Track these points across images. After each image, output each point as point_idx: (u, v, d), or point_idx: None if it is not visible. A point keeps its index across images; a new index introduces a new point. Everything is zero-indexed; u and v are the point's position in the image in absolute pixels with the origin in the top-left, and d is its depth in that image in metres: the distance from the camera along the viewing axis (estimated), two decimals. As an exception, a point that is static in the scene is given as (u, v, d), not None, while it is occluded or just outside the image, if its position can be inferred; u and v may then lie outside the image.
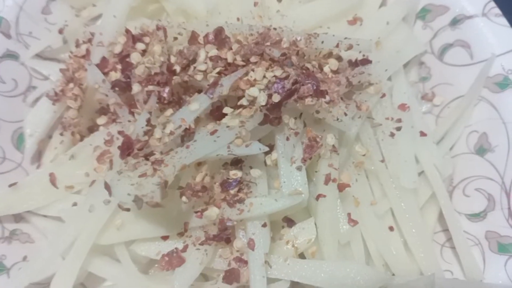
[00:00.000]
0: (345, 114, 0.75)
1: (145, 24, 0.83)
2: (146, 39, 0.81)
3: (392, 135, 0.83)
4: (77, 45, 0.88)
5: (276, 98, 0.72)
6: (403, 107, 0.86)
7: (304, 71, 0.75)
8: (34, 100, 0.92)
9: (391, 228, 0.81)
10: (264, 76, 0.74)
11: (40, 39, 0.93)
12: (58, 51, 0.94)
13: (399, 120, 0.84)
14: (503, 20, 0.87)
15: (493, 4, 0.88)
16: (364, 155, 0.82)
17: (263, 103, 0.72)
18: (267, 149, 0.73)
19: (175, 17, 0.89)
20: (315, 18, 0.87)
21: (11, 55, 0.91)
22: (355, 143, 0.82)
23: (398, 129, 0.84)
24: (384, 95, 0.85)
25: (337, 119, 0.75)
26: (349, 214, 0.79)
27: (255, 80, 0.74)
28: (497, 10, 0.88)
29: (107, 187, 0.69)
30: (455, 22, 0.90)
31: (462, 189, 0.86)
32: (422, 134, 0.86)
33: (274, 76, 0.74)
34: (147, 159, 0.72)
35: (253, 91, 0.72)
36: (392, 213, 0.82)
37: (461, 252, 0.80)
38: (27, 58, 0.92)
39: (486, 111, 0.86)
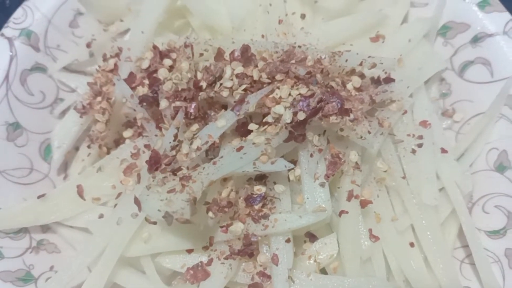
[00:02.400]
0: (369, 132, 0.77)
1: (172, 40, 0.85)
2: (173, 55, 0.84)
3: (413, 151, 0.84)
4: (105, 59, 0.90)
5: (301, 116, 0.73)
6: (424, 123, 0.87)
7: (328, 89, 0.77)
8: (61, 112, 0.95)
9: (411, 244, 0.82)
10: (290, 94, 0.75)
11: (68, 52, 0.96)
12: (85, 64, 0.96)
13: (420, 137, 0.85)
14: (524, 39, 0.88)
15: (514, 22, 0.89)
16: (385, 171, 0.83)
17: (289, 121, 0.73)
18: (292, 166, 0.74)
19: (200, 33, 0.91)
20: (338, 36, 0.88)
21: (40, 68, 0.94)
22: (377, 160, 0.83)
23: (420, 145, 0.85)
24: (405, 111, 0.86)
25: (361, 137, 0.76)
26: (370, 230, 0.80)
27: (280, 97, 0.75)
28: (518, 28, 0.89)
29: (137, 202, 0.71)
30: (476, 39, 0.91)
31: (482, 205, 0.87)
32: (443, 150, 0.86)
33: (300, 94, 0.75)
34: (175, 174, 0.74)
35: (278, 109, 0.74)
36: (413, 229, 0.83)
37: (481, 269, 0.81)
38: (54, 70, 0.95)
39: (506, 128, 0.87)
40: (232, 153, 0.74)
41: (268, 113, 0.75)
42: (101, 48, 0.92)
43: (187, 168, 0.75)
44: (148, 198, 0.70)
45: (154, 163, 0.75)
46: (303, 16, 0.90)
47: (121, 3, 0.95)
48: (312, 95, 0.75)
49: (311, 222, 0.74)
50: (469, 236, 0.83)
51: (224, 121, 0.75)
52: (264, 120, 0.76)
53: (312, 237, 0.80)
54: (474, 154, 0.89)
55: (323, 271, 0.79)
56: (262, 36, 0.86)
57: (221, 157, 0.74)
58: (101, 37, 0.94)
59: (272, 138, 0.74)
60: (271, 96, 0.76)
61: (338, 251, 0.78)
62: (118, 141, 0.89)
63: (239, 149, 0.74)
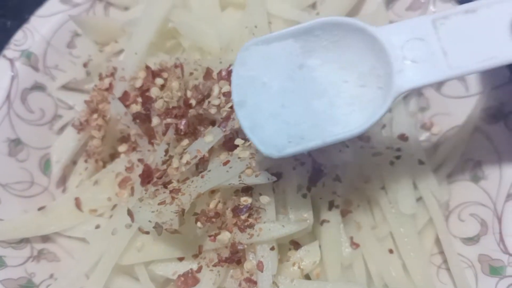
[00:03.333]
0: (347, 146, 0.82)
1: (163, 60, 0.90)
2: (165, 75, 0.88)
3: (391, 163, 0.89)
4: (101, 79, 0.95)
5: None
6: (402, 137, 0.92)
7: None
8: (60, 128, 0.99)
9: (390, 251, 0.86)
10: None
11: (66, 71, 1.00)
12: (82, 82, 1.00)
13: (399, 149, 0.90)
14: (497, 56, 0.93)
15: (486, 40, 0.94)
16: (365, 182, 0.88)
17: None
18: (275, 179, 0.79)
19: (191, 52, 0.96)
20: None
21: (39, 87, 0.99)
22: (357, 171, 0.88)
23: (398, 157, 0.89)
24: (384, 125, 0.91)
25: (339, 150, 0.81)
26: (351, 238, 0.85)
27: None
28: (491, 46, 0.94)
29: (130, 213, 0.76)
30: (451, 56, 0.96)
31: (458, 214, 0.91)
32: (420, 162, 0.91)
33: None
34: (166, 187, 0.79)
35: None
36: (392, 236, 0.87)
37: (456, 274, 0.85)
38: (53, 89, 1.00)
39: (481, 141, 0.91)
40: (219, 167, 0.78)
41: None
42: (97, 67, 0.96)
43: (177, 181, 0.80)
44: (140, 210, 0.75)
45: (147, 176, 0.81)
46: (287, 36, 0.95)
47: (116, 25, 1.00)
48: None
49: (293, 231, 0.78)
50: (444, 243, 0.87)
51: (211, 136, 0.80)
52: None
53: (296, 244, 0.85)
54: (450, 165, 0.93)
55: (307, 277, 0.83)
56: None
57: (209, 170, 0.79)
58: (97, 57, 0.99)
59: (256, 152, 0.79)
60: (255, 113, 0.81)
61: (320, 258, 0.82)
62: (114, 156, 0.94)
63: (226, 163, 0.79)
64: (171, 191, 0.76)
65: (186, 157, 0.80)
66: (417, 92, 1.00)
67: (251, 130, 0.66)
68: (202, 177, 0.78)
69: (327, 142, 0.64)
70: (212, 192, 0.80)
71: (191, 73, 0.89)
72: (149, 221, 0.73)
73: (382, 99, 0.65)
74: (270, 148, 0.65)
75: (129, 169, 0.88)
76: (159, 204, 0.75)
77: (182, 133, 0.83)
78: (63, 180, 0.98)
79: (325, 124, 0.66)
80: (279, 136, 0.66)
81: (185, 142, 0.83)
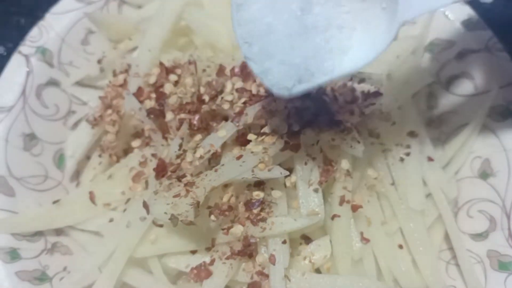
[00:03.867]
0: (358, 142, 0.83)
1: (177, 57, 0.92)
2: (178, 71, 0.90)
3: (401, 160, 0.90)
4: (115, 75, 0.96)
5: (295, 127, 0.80)
6: (412, 134, 0.93)
7: (321, 103, 0.83)
8: (73, 123, 1.01)
9: (400, 246, 0.87)
10: (285, 107, 0.82)
11: (80, 68, 1.02)
12: (96, 79, 1.02)
13: (408, 146, 0.91)
14: (505, 55, 0.94)
15: (495, 40, 0.95)
16: (375, 178, 0.89)
17: (284, 132, 0.80)
18: (287, 173, 0.80)
19: (203, 50, 0.98)
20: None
21: (53, 83, 1.00)
22: (368, 167, 0.89)
23: (407, 154, 0.91)
24: (394, 123, 0.92)
25: (351, 146, 0.82)
26: (361, 233, 0.86)
27: (277, 110, 0.82)
28: (499, 45, 0.95)
29: (146, 206, 0.77)
30: (460, 55, 0.97)
31: (466, 210, 0.93)
32: (430, 159, 0.92)
33: (294, 106, 0.82)
34: (180, 181, 0.80)
35: (275, 121, 0.80)
36: (402, 232, 0.88)
37: (465, 269, 0.86)
38: (67, 85, 1.01)
39: (489, 138, 0.93)
40: (232, 161, 0.80)
41: (266, 124, 0.82)
42: (111, 64, 0.98)
43: (191, 175, 0.81)
44: (156, 202, 0.76)
45: (161, 170, 0.82)
46: (299, 34, 0.96)
47: (129, 23, 1.02)
48: (306, 108, 0.81)
49: (305, 225, 0.80)
50: (453, 239, 0.88)
51: (224, 131, 0.81)
52: (262, 131, 0.82)
53: (307, 239, 0.86)
54: (459, 162, 0.95)
55: (318, 271, 0.84)
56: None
57: (222, 165, 0.80)
58: (111, 54, 1.01)
59: (269, 147, 0.80)
60: (268, 108, 0.82)
61: (331, 252, 0.83)
62: (127, 151, 0.95)
63: (239, 157, 0.80)
64: (185, 184, 0.77)
65: (199, 152, 0.81)
66: (427, 90, 1.01)
67: (262, 74, 0.67)
68: (215, 171, 0.79)
69: (336, 76, 0.65)
70: (225, 186, 0.81)
71: (204, 70, 0.91)
72: (165, 213, 0.74)
73: (386, 25, 0.63)
74: (281, 89, 0.66)
75: (142, 163, 0.89)
76: (174, 196, 0.76)
77: (195, 128, 0.84)
78: (77, 175, 1.00)
79: (332, 58, 0.66)
80: (289, 77, 0.67)
81: (199, 137, 0.84)
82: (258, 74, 0.68)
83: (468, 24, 0.97)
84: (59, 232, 0.93)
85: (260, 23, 0.68)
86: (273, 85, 0.67)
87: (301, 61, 0.67)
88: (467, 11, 0.98)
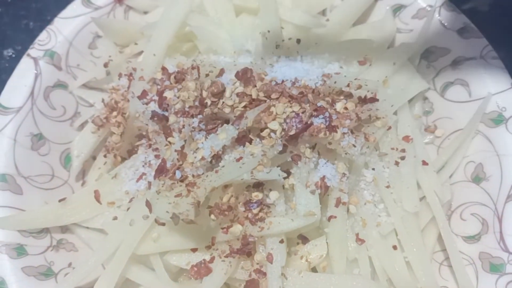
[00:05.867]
0: (354, 146, 0.85)
1: (180, 62, 0.95)
2: (181, 75, 0.93)
3: (396, 163, 0.93)
4: (120, 78, 0.99)
5: (293, 131, 0.83)
6: (407, 138, 0.95)
7: (318, 108, 0.86)
8: (80, 124, 1.04)
9: (394, 247, 0.90)
10: (284, 111, 0.85)
11: (87, 71, 1.06)
12: (102, 81, 1.06)
13: (403, 150, 0.94)
14: (499, 62, 0.96)
15: (490, 47, 0.97)
16: (371, 181, 0.92)
17: (280, 135, 0.83)
18: (285, 175, 0.83)
19: (206, 55, 1.01)
20: (330, 59, 0.97)
21: (61, 85, 1.04)
22: (363, 170, 0.92)
23: (402, 158, 0.93)
24: (390, 127, 0.94)
25: (347, 150, 0.85)
26: (357, 234, 0.88)
27: (276, 114, 0.85)
28: (494, 53, 0.97)
29: (148, 205, 0.80)
30: (455, 63, 1.00)
31: (460, 213, 0.95)
32: (424, 163, 0.95)
33: (293, 111, 0.85)
34: (182, 181, 0.83)
35: (273, 125, 0.83)
36: (396, 233, 0.90)
37: (457, 271, 0.88)
38: (74, 87, 1.05)
39: (482, 143, 0.95)
40: (232, 162, 0.83)
41: (265, 128, 0.85)
42: (117, 67, 1.02)
43: (192, 175, 0.84)
44: (158, 201, 0.79)
45: (161, 171, 0.85)
46: (298, 41, 0.99)
47: (135, 28, 1.05)
48: (303, 113, 0.84)
49: (301, 225, 0.82)
50: (446, 241, 0.90)
51: (225, 134, 0.84)
52: (261, 134, 0.85)
53: (304, 239, 0.89)
54: (453, 166, 0.97)
55: (314, 270, 0.87)
56: (262, 58, 0.96)
57: (223, 166, 0.83)
58: (117, 58, 1.04)
59: (267, 150, 0.83)
60: (267, 112, 0.85)
61: (327, 252, 0.86)
62: (131, 151, 0.98)
63: (239, 159, 0.83)
64: (187, 185, 0.80)
65: (200, 153, 0.84)
66: (422, 96, 1.04)
67: None
68: (216, 172, 0.82)
69: None
70: (225, 186, 0.84)
71: (207, 75, 0.94)
72: (167, 211, 0.77)
73: None
74: None
75: (146, 164, 0.92)
76: (175, 196, 0.79)
77: (197, 130, 0.87)
78: (82, 174, 1.03)
79: None
80: None
81: (200, 139, 0.87)
82: None
83: (463, 33, 0.99)
84: (64, 229, 0.96)
85: None
86: None
87: None
88: (462, 20, 1.00)
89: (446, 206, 0.95)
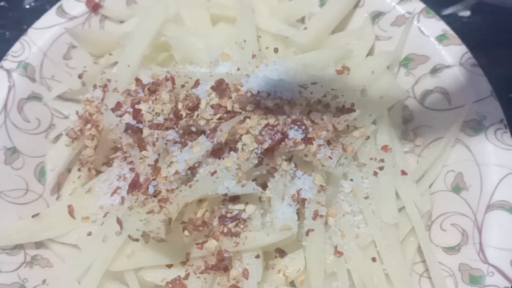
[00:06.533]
0: (330, 158, 0.84)
1: (155, 73, 0.93)
2: (156, 87, 0.92)
3: (375, 174, 0.92)
4: (95, 90, 0.98)
5: (266, 144, 0.82)
6: (385, 148, 0.94)
7: (294, 120, 0.85)
8: (55, 137, 1.02)
9: (373, 259, 0.88)
10: (259, 123, 0.84)
11: (62, 82, 1.04)
12: (78, 92, 1.04)
13: (382, 160, 0.93)
14: (479, 70, 0.96)
15: (469, 55, 0.97)
16: (349, 192, 0.90)
17: (252, 148, 0.82)
18: (260, 189, 0.82)
19: (183, 65, 0.99)
20: (307, 68, 0.96)
21: (35, 97, 1.02)
22: (342, 181, 0.91)
23: (381, 168, 0.92)
24: (368, 137, 0.93)
25: (323, 162, 0.84)
26: (335, 246, 0.87)
27: (251, 126, 0.84)
28: (473, 61, 0.96)
29: (119, 222, 0.79)
30: (435, 70, 0.99)
31: (440, 223, 0.94)
32: (403, 173, 0.94)
33: (268, 123, 0.84)
34: (155, 196, 0.81)
35: (246, 138, 0.82)
36: (375, 245, 0.89)
37: (436, 283, 0.88)
38: (49, 99, 1.03)
39: (462, 152, 0.94)
40: (206, 176, 0.81)
41: (240, 140, 0.83)
42: (92, 78, 1.00)
43: (167, 190, 0.82)
44: (129, 218, 0.78)
45: (134, 186, 0.83)
46: (276, 50, 0.98)
47: (110, 38, 1.03)
48: (278, 125, 0.83)
49: (277, 239, 0.81)
50: (426, 252, 0.89)
51: (199, 147, 0.83)
52: (236, 147, 0.84)
53: (281, 252, 0.87)
54: (433, 175, 0.96)
55: (292, 284, 0.86)
56: (238, 69, 0.95)
57: (197, 180, 0.82)
58: (92, 69, 1.02)
59: (242, 163, 0.82)
60: (242, 125, 0.84)
61: (305, 266, 0.85)
62: (106, 164, 0.96)
63: (213, 173, 0.81)
64: (159, 200, 0.79)
65: (174, 167, 0.82)
66: (402, 104, 1.03)
67: None
68: (190, 186, 0.81)
69: None
70: (200, 201, 0.83)
71: (182, 85, 0.92)
72: (137, 229, 0.76)
73: None
74: None
75: (120, 178, 0.91)
76: (147, 213, 0.78)
77: (172, 142, 0.86)
78: (57, 188, 1.01)
79: None
80: None
81: (174, 152, 0.86)
82: None
83: (442, 39, 0.98)
84: (39, 245, 0.94)
85: None
86: None
87: None
88: (442, 27, 0.99)
89: (426, 216, 0.94)
